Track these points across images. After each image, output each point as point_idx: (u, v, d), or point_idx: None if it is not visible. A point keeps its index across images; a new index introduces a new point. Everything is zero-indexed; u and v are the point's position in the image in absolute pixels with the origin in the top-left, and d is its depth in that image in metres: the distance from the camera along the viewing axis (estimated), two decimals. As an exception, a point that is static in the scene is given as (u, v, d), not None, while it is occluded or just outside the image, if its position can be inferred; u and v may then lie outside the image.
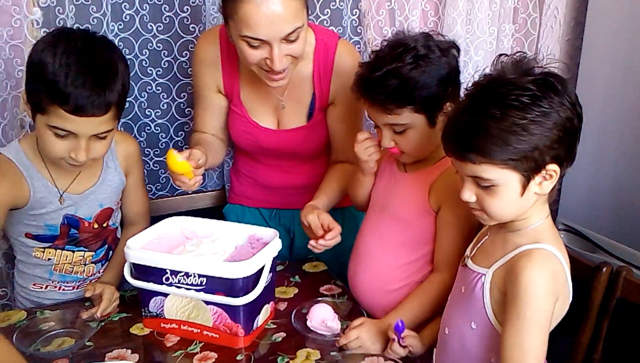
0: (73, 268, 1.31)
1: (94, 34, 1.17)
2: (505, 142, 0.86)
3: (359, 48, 1.75)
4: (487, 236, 1.02)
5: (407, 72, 1.05)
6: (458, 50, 1.13)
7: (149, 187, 1.70)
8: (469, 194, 0.93)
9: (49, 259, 1.28)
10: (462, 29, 1.80)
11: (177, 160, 1.15)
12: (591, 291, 1.17)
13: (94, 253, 1.33)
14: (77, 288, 1.33)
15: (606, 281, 1.16)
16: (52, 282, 1.31)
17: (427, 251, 1.19)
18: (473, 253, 1.02)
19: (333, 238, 1.22)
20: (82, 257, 1.31)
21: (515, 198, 0.90)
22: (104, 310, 1.19)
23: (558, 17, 1.91)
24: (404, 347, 1.07)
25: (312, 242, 1.22)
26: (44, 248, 1.27)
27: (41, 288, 1.31)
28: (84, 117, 1.07)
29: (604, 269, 1.15)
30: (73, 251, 1.29)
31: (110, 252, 1.36)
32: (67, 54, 1.06)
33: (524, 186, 0.89)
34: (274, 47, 1.17)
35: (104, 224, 1.32)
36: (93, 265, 1.34)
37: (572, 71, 1.97)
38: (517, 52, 0.94)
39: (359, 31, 1.75)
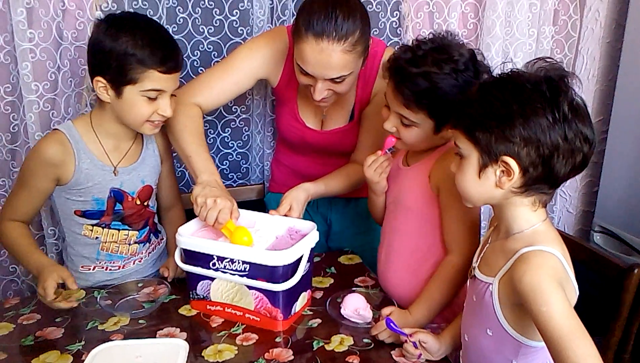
0: (119, 247, 1.42)
1: (136, 13, 1.35)
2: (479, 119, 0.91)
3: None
4: (488, 245, 1.04)
5: (439, 81, 1.08)
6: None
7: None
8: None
9: (96, 238, 1.38)
10: (501, 31, 1.81)
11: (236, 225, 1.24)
12: (622, 292, 1.17)
13: (137, 232, 1.43)
14: (122, 268, 1.43)
15: (637, 282, 1.16)
16: (100, 262, 1.41)
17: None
18: (478, 262, 1.04)
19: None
20: (126, 236, 1.41)
21: (473, 175, 0.94)
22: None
23: (599, 20, 1.88)
24: (418, 346, 1.08)
25: None
26: (92, 225, 1.37)
27: (89, 269, 1.41)
28: (172, 74, 1.26)
29: (636, 270, 1.15)
30: (119, 230, 1.40)
31: (151, 235, 1.47)
32: (139, 30, 1.23)
33: (481, 168, 0.93)
34: (318, 83, 1.29)
35: (145, 203, 1.43)
36: (137, 245, 1.44)
37: (612, 74, 1.95)
38: (549, 58, 0.94)
39: (399, 32, 1.79)
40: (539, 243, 0.93)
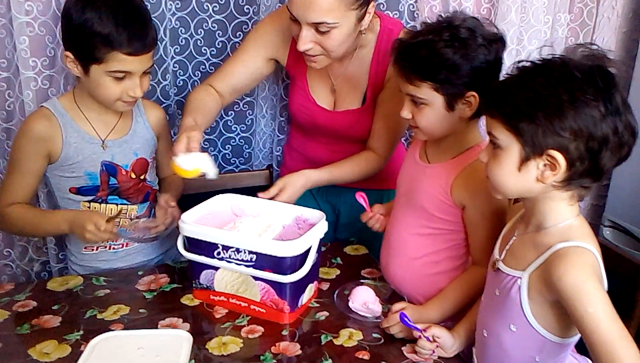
0: (119, 222, 1.35)
1: None
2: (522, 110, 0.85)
3: (413, 33, 1.75)
4: (514, 237, 0.99)
5: (438, 48, 1.02)
6: (504, 44, 1.08)
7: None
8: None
9: None
10: (516, 17, 1.76)
11: (185, 169, 1.20)
12: (638, 289, 1.15)
13: (137, 207, 1.39)
14: (126, 246, 1.39)
15: (653, 279, 1.13)
16: (102, 242, 1.35)
17: (459, 239, 1.17)
18: (503, 256, 0.99)
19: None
20: (126, 211, 1.37)
21: (512, 168, 0.88)
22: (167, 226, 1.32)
23: (616, 8, 1.84)
24: (432, 341, 1.05)
25: None
26: (89, 201, 1.34)
27: (92, 250, 1.38)
28: (139, 55, 1.20)
29: (652, 267, 1.13)
30: (117, 204, 1.36)
31: (153, 210, 1.41)
32: (106, 7, 1.17)
33: (522, 161, 0.87)
34: (303, 29, 1.26)
35: (142, 177, 1.39)
36: (138, 220, 1.38)
37: (628, 64, 1.90)
38: (591, 44, 0.89)
39: (416, 16, 1.73)
40: (575, 238, 0.88)
